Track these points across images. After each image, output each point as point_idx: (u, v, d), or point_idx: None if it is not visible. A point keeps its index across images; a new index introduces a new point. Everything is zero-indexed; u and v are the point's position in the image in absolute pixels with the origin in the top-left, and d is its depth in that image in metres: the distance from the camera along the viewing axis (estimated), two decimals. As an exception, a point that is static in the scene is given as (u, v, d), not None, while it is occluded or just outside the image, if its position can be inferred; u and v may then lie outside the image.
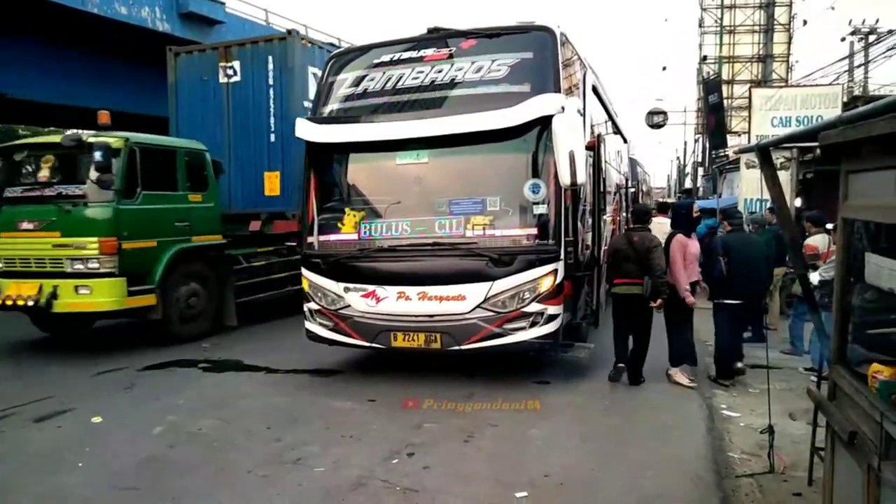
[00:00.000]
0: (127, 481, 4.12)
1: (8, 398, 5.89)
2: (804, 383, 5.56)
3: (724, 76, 27.63)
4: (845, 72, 22.60)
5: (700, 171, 32.61)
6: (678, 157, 43.10)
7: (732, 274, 6.29)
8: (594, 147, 6.79)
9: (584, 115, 6.43)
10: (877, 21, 25.55)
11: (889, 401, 2.33)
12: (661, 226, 7.41)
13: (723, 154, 22.85)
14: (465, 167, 6.37)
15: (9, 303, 7.46)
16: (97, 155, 7.11)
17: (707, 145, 27.87)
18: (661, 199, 25.42)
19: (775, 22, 28.22)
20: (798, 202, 11.71)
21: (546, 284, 5.73)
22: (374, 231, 6.33)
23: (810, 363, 6.56)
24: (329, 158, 6.78)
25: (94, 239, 7.32)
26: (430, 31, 6.48)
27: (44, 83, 15.96)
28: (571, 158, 5.38)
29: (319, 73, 9.29)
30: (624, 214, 12.18)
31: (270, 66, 9.90)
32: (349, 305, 6.21)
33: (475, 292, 5.79)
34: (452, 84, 6.17)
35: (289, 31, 10.15)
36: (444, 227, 6.05)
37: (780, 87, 19.00)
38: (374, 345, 6.19)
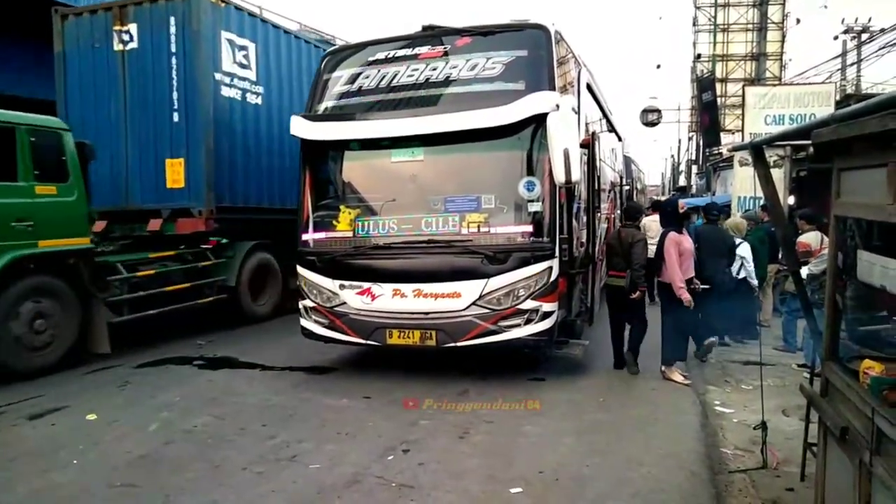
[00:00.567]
0: (121, 478, 4.11)
1: (1, 395, 5.87)
2: (797, 380, 5.58)
3: (718, 74, 27.71)
4: (838, 70, 22.71)
5: (694, 168, 32.73)
6: (672, 155, 43.22)
7: (702, 260, 6.77)
8: (589, 145, 6.80)
9: (578, 112, 6.44)
10: (869, 19, 25.64)
11: (880, 396, 2.35)
12: (657, 224, 7.69)
13: (716, 152, 22.96)
14: (461, 165, 6.38)
15: None
16: None
17: (701, 143, 27.99)
18: (655, 198, 25.48)
19: (769, 20, 28.31)
20: (791, 200, 11.76)
21: (541, 282, 5.75)
22: (370, 228, 6.33)
23: (803, 360, 6.61)
24: (324, 156, 6.78)
25: None
26: (425, 28, 6.48)
27: None
28: (566, 156, 5.40)
29: (236, 39, 8.85)
30: (618, 212, 12.21)
31: (173, 30, 8.40)
32: (344, 303, 6.21)
33: (470, 289, 5.80)
34: (447, 82, 6.17)
35: None
36: (440, 225, 6.06)
37: (774, 85, 19.07)
38: (369, 342, 6.19)
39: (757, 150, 3.35)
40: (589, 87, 8.13)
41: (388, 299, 6.01)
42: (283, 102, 9.88)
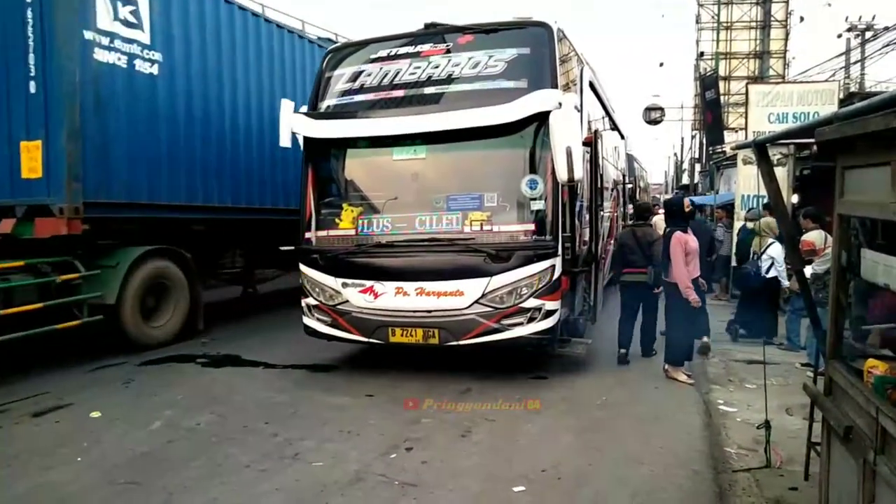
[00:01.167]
0: (124, 476, 4.12)
1: (5, 393, 5.88)
2: (801, 379, 5.57)
3: (722, 72, 27.61)
4: (842, 68, 22.66)
5: (697, 167, 32.63)
6: (675, 154, 43.13)
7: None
8: (591, 143, 6.80)
9: (581, 111, 6.44)
10: (873, 17, 25.46)
11: (884, 396, 2.34)
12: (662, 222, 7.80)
13: (720, 150, 22.87)
14: (463, 163, 6.38)
15: None
16: None
17: (704, 141, 27.91)
18: (657, 196, 25.40)
19: (772, 18, 28.18)
20: (795, 198, 11.73)
21: (543, 280, 5.75)
22: (372, 227, 6.33)
23: (807, 359, 6.60)
24: (326, 154, 6.78)
25: None
26: (428, 26, 6.47)
27: None
28: (569, 154, 5.39)
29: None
30: (621, 210, 12.20)
31: None
32: (347, 301, 6.22)
33: (473, 288, 5.80)
34: (450, 80, 6.17)
35: None
36: (442, 223, 6.06)
37: (777, 83, 19.00)
38: (371, 340, 6.19)
39: (760, 149, 3.34)
40: (591, 85, 8.12)
41: (391, 297, 6.01)
42: (207, 79, 8.38)
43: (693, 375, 6.30)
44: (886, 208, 2.16)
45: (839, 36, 25.52)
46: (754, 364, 6.55)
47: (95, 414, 5.37)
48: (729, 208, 12.24)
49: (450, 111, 5.88)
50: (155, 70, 7.68)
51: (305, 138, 6.62)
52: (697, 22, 29.52)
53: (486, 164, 6.30)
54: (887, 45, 17.29)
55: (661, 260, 6.42)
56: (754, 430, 4.62)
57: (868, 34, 24.02)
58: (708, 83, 24.09)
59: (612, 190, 10.77)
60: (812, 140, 2.70)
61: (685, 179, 37.02)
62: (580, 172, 5.58)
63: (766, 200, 9.68)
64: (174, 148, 7.99)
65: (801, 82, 15.76)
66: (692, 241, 6.30)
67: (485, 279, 5.77)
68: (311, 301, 6.52)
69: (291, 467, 4.24)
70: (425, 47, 6.38)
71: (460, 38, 6.30)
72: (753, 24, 28.58)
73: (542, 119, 5.69)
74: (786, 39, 28.17)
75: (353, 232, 6.36)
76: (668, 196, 25.78)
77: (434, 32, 6.44)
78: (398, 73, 6.36)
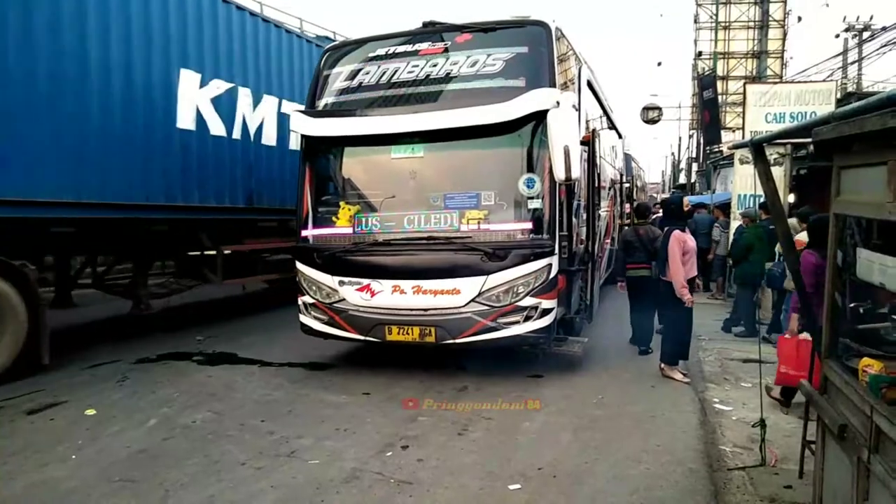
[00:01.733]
0: (120, 473, 4.11)
1: (0, 390, 5.86)
2: (796, 378, 5.59)
3: (719, 72, 27.67)
4: (839, 68, 22.69)
5: (694, 166, 32.68)
6: (673, 153, 43.19)
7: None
8: (589, 142, 6.81)
9: (579, 110, 6.44)
10: (871, 18, 25.56)
11: (879, 394, 2.35)
12: None
13: (717, 150, 22.92)
14: (460, 161, 6.38)
15: None
16: None
17: (701, 141, 27.95)
18: (654, 195, 25.41)
19: (770, 18, 28.25)
20: (791, 198, 11.75)
21: (540, 279, 5.75)
22: (369, 225, 6.33)
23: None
24: (324, 152, 6.78)
25: None
26: (426, 24, 6.47)
27: None
28: (566, 153, 5.39)
29: None
30: (618, 209, 12.22)
31: None
32: (344, 299, 6.21)
33: (469, 286, 5.80)
34: (448, 78, 6.17)
35: None
36: (439, 221, 6.06)
37: (775, 83, 19.03)
38: (368, 338, 6.19)
39: (757, 148, 3.35)
40: (589, 85, 8.12)
41: (388, 296, 6.01)
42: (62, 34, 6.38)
43: (689, 374, 6.32)
44: (882, 208, 2.17)
45: (837, 36, 25.64)
46: (750, 363, 6.58)
47: (91, 411, 5.36)
48: (725, 208, 12.26)
49: (448, 110, 5.88)
50: None
51: (303, 136, 6.62)
52: (695, 22, 29.60)
53: (484, 162, 6.30)
54: (885, 46, 17.33)
55: (659, 258, 6.48)
56: (750, 429, 4.64)
57: (865, 34, 24.10)
58: (706, 83, 24.14)
59: (610, 189, 10.78)
60: (809, 140, 2.70)
61: (682, 179, 37.09)
62: (577, 171, 5.58)
63: (762, 200, 9.71)
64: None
65: (799, 82, 15.78)
66: (690, 241, 6.32)
67: (481, 278, 5.78)
68: (307, 299, 6.51)
69: (287, 465, 4.24)
70: (423, 46, 6.37)
71: (458, 36, 6.30)
72: (751, 23, 28.65)
73: (539, 118, 5.70)
74: (783, 39, 28.25)
75: (350, 230, 6.36)
76: (666, 195, 25.83)
77: (432, 31, 6.43)
78: (396, 71, 6.35)
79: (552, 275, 5.80)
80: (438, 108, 5.97)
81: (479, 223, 5.94)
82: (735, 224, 10.72)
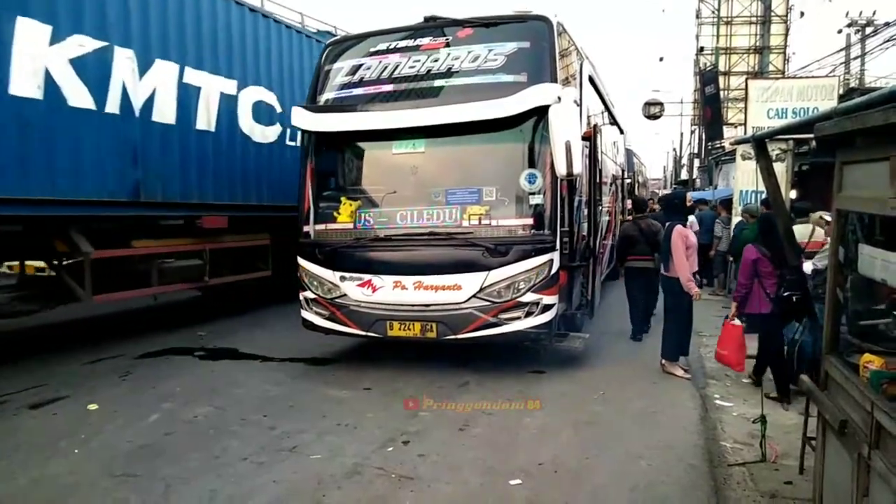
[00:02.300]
0: (122, 468, 4.13)
1: (2, 385, 5.89)
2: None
3: (721, 67, 27.59)
4: (842, 64, 22.59)
5: (696, 162, 32.63)
6: (674, 149, 43.11)
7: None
8: (590, 137, 6.79)
9: (580, 105, 6.43)
10: (874, 13, 25.40)
11: (880, 390, 2.35)
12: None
13: (719, 145, 22.89)
14: (462, 157, 6.37)
15: None
16: None
17: (703, 136, 27.90)
18: (656, 191, 25.35)
19: (772, 13, 28.15)
20: (793, 194, 11.72)
21: (541, 274, 5.75)
22: (371, 220, 6.33)
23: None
24: (325, 147, 6.76)
25: None
26: (427, 19, 6.46)
27: None
28: (568, 149, 5.38)
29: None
30: (620, 205, 12.20)
31: None
32: (345, 294, 6.22)
33: (471, 282, 5.80)
34: (449, 73, 6.15)
35: None
36: (441, 217, 6.06)
37: (777, 78, 18.95)
38: (369, 334, 6.20)
39: (759, 144, 3.35)
40: (591, 80, 8.10)
41: (389, 291, 6.01)
42: None
43: (690, 370, 6.32)
44: (885, 204, 2.17)
45: (839, 31, 25.47)
46: (750, 358, 6.56)
47: (93, 406, 5.37)
48: (727, 204, 12.24)
49: (449, 105, 5.87)
50: None
51: (304, 131, 6.61)
52: (698, 17, 29.48)
53: (485, 158, 6.29)
54: (888, 41, 17.25)
55: (663, 252, 6.46)
56: (750, 425, 4.65)
57: (868, 30, 23.97)
58: (707, 78, 24.10)
59: (611, 185, 10.76)
60: (811, 135, 2.70)
61: (684, 175, 37.04)
62: (579, 167, 5.57)
63: (764, 195, 9.69)
64: None
65: (801, 78, 15.71)
66: (692, 236, 6.33)
67: (483, 273, 5.78)
68: (309, 294, 6.52)
69: (289, 460, 4.25)
70: (425, 41, 6.36)
71: (460, 31, 6.28)
72: (753, 19, 28.55)
73: (541, 113, 5.69)
74: (786, 35, 28.15)
75: (351, 225, 6.36)
76: (667, 191, 25.79)
77: (433, 26, 6.42)
78: (397, 66, 6.34)
79: (553, 271, 5.80)
80: (440, 104, 5.95)
81: (480, 219, 5.93)
82: (736, 220, 10.72)
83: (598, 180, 7.44)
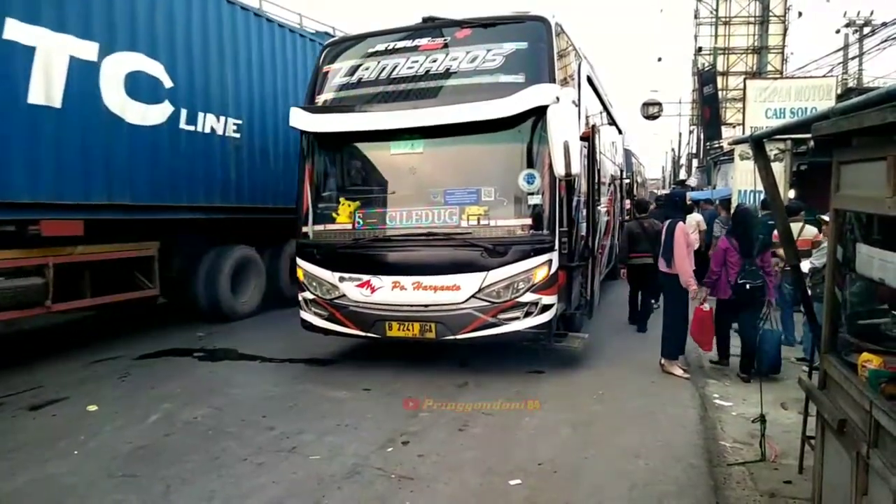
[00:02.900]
0: (122, 469, 4.13)
1: (3, 386, 5.88)
2: (796, 373, 5.60)
3: (720, 67, 27.58)
4: (840, 64, 22.60)
5: (695, 162, 32.63)
6: (673, 149, 43.14)
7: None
8: (589, 138, 6.79)
9: (578, 105, 6.43)
10: (871, 13, 25.41)
11: (878, 389, 2.36)
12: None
13: (717, 145, 22.89)
14: (460, 157, 6.37)
15: None
16: None
17: (702, 136, 27.90)
18: (655, 191, 25.34)
19: (770, 13, 28.15)
20: (791, 194, 11.74)
21: (540, 275, 5.75)
22: (369, 221, 6.33)
23: (802, 353, 6.62)
24: (324, 148, 6.77)
25: None
26: (425, 20, 6.46)
27: None
28: (566, 149, 5.39)
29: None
30: (618, 205, 12.21)
31: None
32: (344, 295, 6.22)
33: (470, 282, 5.80)
34: (447, 74, 6.16)
35: None
36: (439, 217, 6.06)
37: (775, 78, 18.98)
38: (369, 334, 6.20)
39: (757, 144, 3.35)
40: (589, 80, 8.11)
41: (388, 292, 6.01)
42: None
43: (689, 370, 6.33)
44: (882, 203, 2.17)
45: (837, 31, 25.51)
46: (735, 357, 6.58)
47: (92, 407, 5.37)
48: (726, 204, 12.26)
49: (447, 105, 5.87)
50: None
51: (302, 132, 6.61)
52: (696, 17, 29.47)
53: (484, 158, 6.29)
54: (885, 41, 17.27)
55: (661, 250, 6.47)
56: (749, 424, 4.65)
57: (866, 30, 24.00)
58: (706, 78, 24.11)
59: (610, 185, 10.76)
60: (809, 135, 2.70)
61: (682, 175, 37.04)
62: (577, 167, 5.58)
63: (763, 195, 9.70)
64: None
65: (799, 78, 15.74)
66: (692, 234, 6.34)
67: (482, 274, 5.78)
68: (308, 295, 6.52)
69: (288, 460, 4.25)
70: (423, 41, 6.36)
71: (458, 32, 6.28)
72: (751, 19, 28.54)
73: (539, 113, 5.69)
74: (784, 35, 28.14)
75: (350, 226, 6.36)
76: (665, 191, 25.80)
77: (432, 26, 6.42)
78: (396, 67, 6.34)
79: (552, 271, 5.80)
80: (438, 104, 5.95)
81: (479, 219, 5.94)
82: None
83: (596, 180, 7.45)
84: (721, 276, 6.10)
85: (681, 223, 6.29)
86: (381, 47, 6.51)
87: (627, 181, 15.41)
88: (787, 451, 4.16)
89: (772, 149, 10.29)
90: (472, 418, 5.03)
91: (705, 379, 6.10)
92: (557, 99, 5.57)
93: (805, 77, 15.45)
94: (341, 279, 6.21)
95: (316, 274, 6.38)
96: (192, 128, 8.06)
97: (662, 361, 6.36)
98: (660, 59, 62.67)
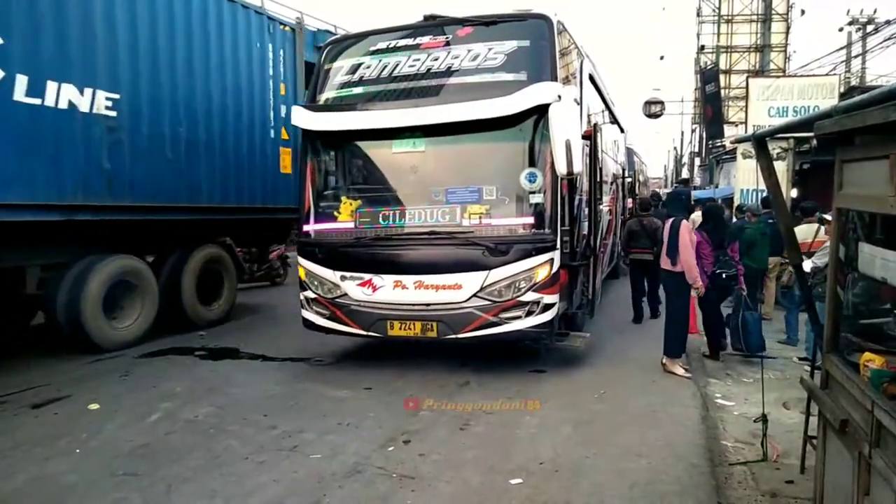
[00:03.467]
0: (123, 467, 4.13)
1: (4, 385, 5.89)
2: (798, 373, 5.59)
3: (722, 66, 27.55)
4: (842, 62, 22.58)
5: (697, 161, 32.60)
6: (675, 147, 43.09)
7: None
8: (591, 136, 6.78)
9: (580, 104, 6.42)
10: (875, 11, 25.45)
11: (880, 389, 2.35)
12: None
13: (720, 144, 22.87)
14: (462, 156, 6.36)
15: None
16: None
17: (704, 135, 27.87)
18: (657, 190, 25.31)
19: (773, 11, 28.09)
20: (794, 193, 11.73)
21: (542, 274, 5.74)
22: (371, 219, 6.32)
23: (804, 353, 6.61)
24: (325, 146, 6.77)
25: None
26: (427, 18, 6.45)
27: None
28: (568, 148, 5.38)
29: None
30: (620, 204, 12.20)
31: None
32: (345, 294, 6.22)
33: (471, 281, 5.80)
34: (449, 72, 6.15)
35: None
36: (441, 216, 6.05)
37: (778, 77, 18.97)
38: (370, 333, 6.20)
39: (760, 142, 3.34)
40: (591, 78, 8.10)
41: (389, 290, 6.01)
42: None
43: (690, 369, 6.32)
44: (885, 202, 2.16)
45: (840, 30, 25.45)
46: (752, 358, 6.57)
47: (94, 406, 5.38)
48: (729, 203, 12.25)
49: (449, 104, 5.86)
50: None
51: (304, 130, 6.61)
52: (698, 15, 29.43)
53: (485, 157, 6.29)
54: (888, 39, 17.25)
55: (663, 248, 6.44)
56: (751, 424, 4.64)
57: (869, 28, 23.95)
58: (708, 77, 24.08)
59: (612, 184, 10.75)
60: (811, 134, 2.69)
61: (685, 173, 37.01)
62: (579, 166, 5.57)
63: (765, 194, 9.68)
64: None
65: (802, 76, 15.71)
66: (694, 232, 6.32)
67: (483, 272, 5.77)
68: (309, 294, 6.52)
69: (289, 459, 4.25)
70: (424, 39, 6.35)
71: (459, 30, 6.27)
72: (754, 17, 28.49)
73: (541, 112, 5.67)
74: (787, 33, 28.10)
75: (351, 225, 6.36)
76: (668, 190, 25.77)
77: (433, 24, 6.41)
78: (397, 65, 6.33)
79: (554, 270, 5.79)
80: (440, 103, 5.94)
81: (480, 218, 5.93)
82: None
83: (598, 179, 7.44)
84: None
85: (685, 221, 6.28)
86: (382, 45, 6.50)
87: (629, 180, 15.40)
88: (788, 451, 4.15)
89: (774, 147, 10.27)
90: (474, 417, 5.03)
91: (707, 378, 6.10)
92: (559, 97, 5.56)
93: (808, 75, 15.43)
94: (343, 278, 6.20)
95: (317, 273, 6.38)
96: (35, 101, 6.19)
97: (664, 360, 6.35)
98: (662, 58, 62.59)
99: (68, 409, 5.33)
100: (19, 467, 4.16)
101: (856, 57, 23.70)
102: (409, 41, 6.39)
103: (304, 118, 6.49)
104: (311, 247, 6.49)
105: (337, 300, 6.28)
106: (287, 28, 9.88)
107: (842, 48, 23.12)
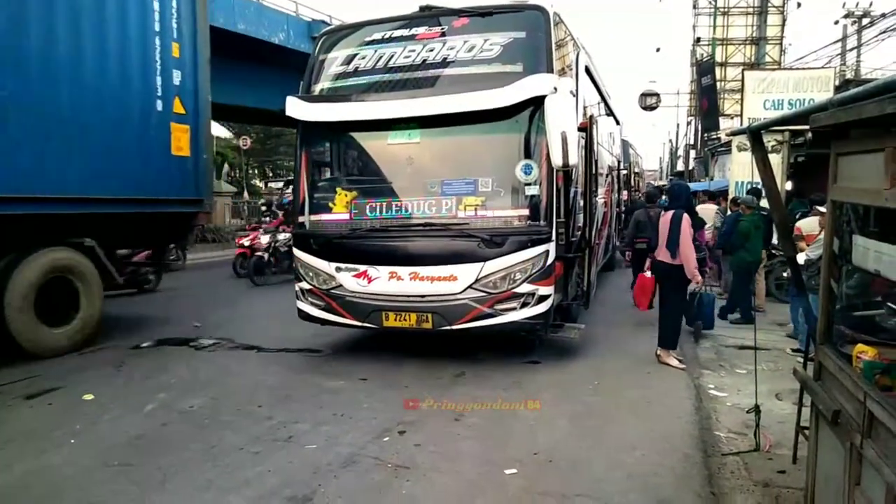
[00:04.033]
0: (118, 458, 4.13)
1: (-2, 376, 5.88)
2: (791, 364, 5.63)
3: (718, 58, 27.48)
4: (838, 55, 22.60)
5: (692, 153, 32.62)
6: (670, 140, 43.10)
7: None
8: (586, 128, 6.77)
9: (576, 96, 6.41)
10: (870, 4, 25.41)
11: (873, 380, 2.36)
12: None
13: (715, 136, 22.88)
14: (457, 147, 6.35)
15: None
16: None
17: (699, 128, 27.87)
18: (652, 182, 25.35)
19: (769, 4, 28.05)
20: (789, 185, 11.75)
21: (537, 265, 5.75)
22: (366, 211, 6.31)
23: (797, 344, 6.64)
24: (320, 137, 6.75)
25: None
26: (423, 8, 6.42)
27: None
28: (563, 139, 5.37)
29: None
30: (616, 196, 12.22)
31: None
32: (341, 285, 6.21)
33: (466, 273, 5.80)
34: (444, 63, 6.12)
35: None
36: (436, 208, 6.05)
37: (773, 69, 18.96)
38: (365, 324, 6.20)
39: (755, 135, 3.34)
40: (587, 70, 8.08)
41: (385, 282, 6.00)
42: None
43: (685, 360, 6.35)
44: (879, 195, 2.17)
45: (836, 22, 25.47)
46: (745, 349, 6.61)
47: (88, 397, 5.37)
48: (725, 195, 12.27)
49: (444, 95, 5.84)
50: None
51: (299, 121, 6.58)
52: (694, 7, 29.35)
53: (481, 148, 6.28)
54: (884, 32, 17.27)
55: (662, 240, 6.35)
56: (744, 415, 4.67)
57: (865, 21, 23.97)
58: (704, 69, 24.04)
59: (607, 176, 10.77)
60: (807, 127, 2.69)
61: (680, 166, 37.03)
62: (575, 158, 5.56)
63: (758, 187, 9.70)
64: None
65: (797, 69, 15.72)
66: (691, 227, 6.32)
67: (478, 264, 5.77)
68: (304, 285, 6.51)
69: (285, 449, 4.26)
70: (420, 30, 6.32)
71: (455, 21, 6.24)
72: (750, 9, 28.41)
73: (537, 104, 5.66)
74: (782, 25, 28.04)
75: (346, 216, 6.35)
76: (663, 182, 25.80)
77: (429, 15, 6.38)
78: (393, 56, 6.30)
79: (549, 261, 5.80)
80: (435, 94, 5.92)
81: (476, 209, 5.93)
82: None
83: (594, 171, 7.44)
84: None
85: (685, 214, 6.27)
86: (378, 36, 6.47)
87: (625, 172, 15.41)
88: (781, 442, 4.19)
89: (769, 140, 10.28)
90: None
91: (701, 370, 6.12)
92: (555, 89, 5.55)
93: (803, 68, 15.43)
94: (338, 269, 6.20)
95: (312, 264, 6.37)
96: None
97: (659, 352, 6.37)
98: (658, 50, 62.33)
99: (62, 400, 5.33)
100: (15, 458, 4.15)
101: (851, 50, 23.73)
102: (405, 32, 6.36)
103: (298, 109, 6.46)
104: (307, 237, 6.47)
105: (332, 291, 6.28)
106: None
107: (837, 41, 23.16)
